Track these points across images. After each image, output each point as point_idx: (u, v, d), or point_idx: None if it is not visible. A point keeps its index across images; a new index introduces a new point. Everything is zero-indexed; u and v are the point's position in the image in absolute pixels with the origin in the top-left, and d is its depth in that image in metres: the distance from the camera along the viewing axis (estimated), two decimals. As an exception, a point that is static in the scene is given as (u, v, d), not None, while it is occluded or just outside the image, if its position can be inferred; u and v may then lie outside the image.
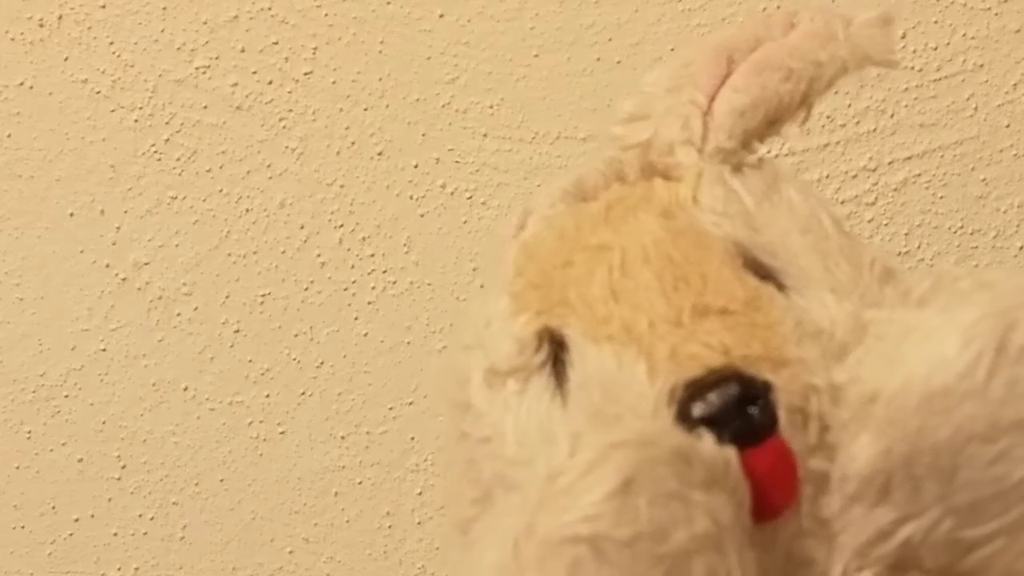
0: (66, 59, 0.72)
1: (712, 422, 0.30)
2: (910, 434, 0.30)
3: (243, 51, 0.72)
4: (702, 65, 0.39)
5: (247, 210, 0.75)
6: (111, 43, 0.72)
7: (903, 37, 0.72)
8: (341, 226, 0.75)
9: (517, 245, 0.39)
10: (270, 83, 0.73)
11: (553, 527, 0.27)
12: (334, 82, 0.73)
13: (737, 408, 0.31)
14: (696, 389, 0.31)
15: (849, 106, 0.73)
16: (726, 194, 0.37)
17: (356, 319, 0.76)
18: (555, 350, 0.35)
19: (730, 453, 0.29)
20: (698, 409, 0.31)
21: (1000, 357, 0.30)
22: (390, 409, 0.77)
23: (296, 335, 0.76)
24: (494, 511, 0.31)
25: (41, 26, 0.72)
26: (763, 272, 0.35)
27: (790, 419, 0.31)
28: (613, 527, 0.27)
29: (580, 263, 0.36)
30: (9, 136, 0.73)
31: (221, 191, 0.74)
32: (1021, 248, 0.75)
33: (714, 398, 0.31)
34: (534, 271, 0.37)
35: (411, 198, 0.74)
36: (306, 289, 0.76)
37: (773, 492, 0.30)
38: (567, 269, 0.36)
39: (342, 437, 0.78)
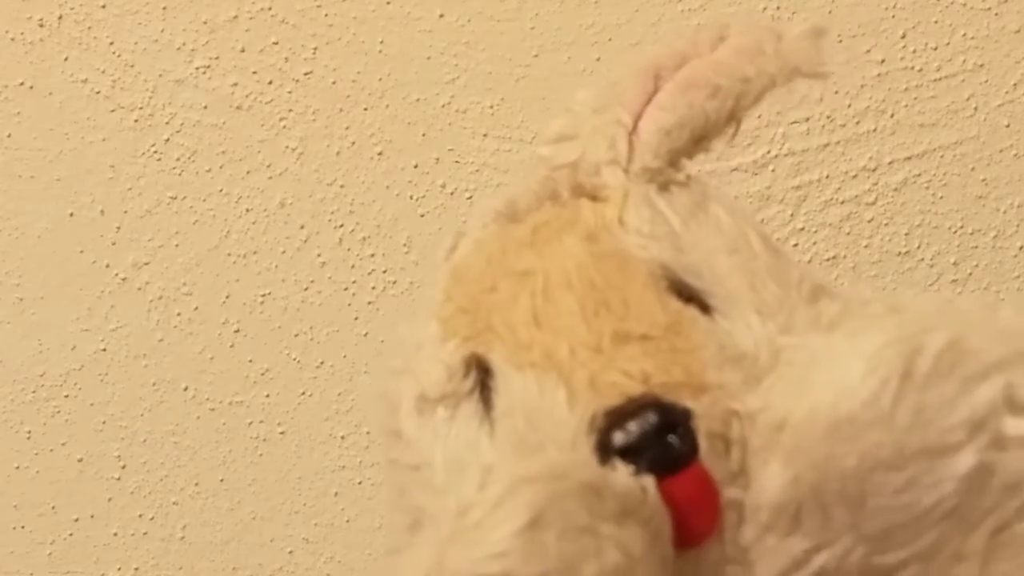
0: (66, 59, 0.72)
1: (632, 451, 0.30)
2: (818, 462, 0.30)
3: (243, 51, 0.72)
4: (628, 84, 0.39)
5: (247, 210, 0.75)
6: (111, 43, 0.72)
7: (903, 37, 0.72)
8: (341, 226, 0.75)
9: (447, 268, 0.39)
10: (270, 83, 0.73)
11: (462, 563, 0.27)
12: (334, 82, 0.73)
13: (656, 436, 0.30)
14: (615, 418, 0.31)
15: (849, 106, 0.73)
16: (652, 215, 0.36)
17: (356, 319, 0.76)
18: (483, 376, 0.35)
19: (647, 483, 0.29)
20: (618, 438, 0.30)
21: (905, 383, 0.29)
22: (390, 409, 0.77)
23: (296, 335, 0.76)
24: (411, 543, 0.31)
25: (41, 26, 0.72)
26: (688, 293, 0.35)
27: (711, 446, 0.31)
28: (522, 563, 0.27)
29: (505, 288, 0.36)
30: (9, 136, 0.73)
31: (221, 191, 0.74)
32: (1021, 248, 0.75)
33: (633, 427, 0.31)
34: (462, 296, 0.37)
35: (411, 198, 0.74)
36: (306, 289, 0.76)
37: (694, 520, 0.30)
38: (492, 294, 0.36)
39: (342, 437, 0.78)
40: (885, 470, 0.29)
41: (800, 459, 0.30)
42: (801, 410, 0.30)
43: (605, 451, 0.30)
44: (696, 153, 0.39)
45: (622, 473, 0.29)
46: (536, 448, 0.31)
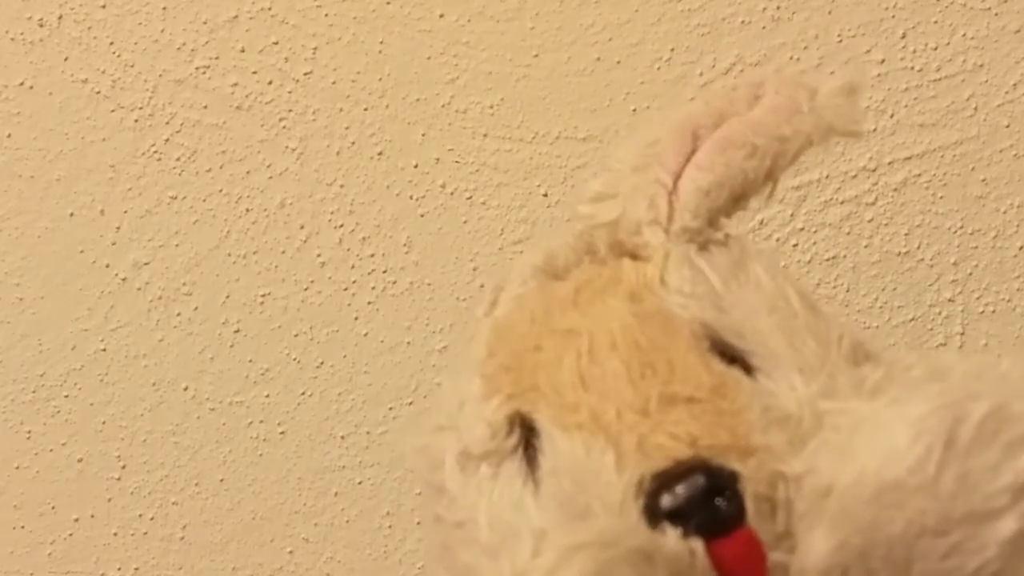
0: (66, 59, 0.72)
1: (680, 514, 0.30)
2: (864, 528, 0.30)
3: (243, 51, 0.72)
4: (667, 143, 0.39)
5: (247, 210, 0.75)
6: (111, 43, 0.72)
7: (903, 37, 0.72)
8: (341, 226, 0.75)
9: (489, 324, 0.39)
10: (270, 83, 0.73)
11: None
12: (334, 82, 0.73)
13: (704, 500, 0.31)
14: (663, 481, 0.31)
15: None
16: (693, 275, 0.37)
17: (356, 319, 0.76)
18: (527, 435, 0.35)
19: (696, 546, 0.29)
20: (666, 501, 0.31)
21: (949, 451, 0.30)
22: (390, 409, 0.77)
23: (296, 335, 0.76)
24: None
25: (41, 26, 0.72)
26: (730, 353, 0.35)
27: (758, 508, 0.31)
28: None
29: (549, 348, 0.36)
30: (9, 136, 0.73)
31: (221, 191, 0.74)
32: (1021, 248, 0.75)
33: (681, 490, 0.31)
34: (505, 353, 0.37)
35: (411, 198, 0.74)
36: (306, 289, 0.76)
37: None
38: (537, 353, 0.36)
39: (342, 437, 0.78)
40: (930, 536, 0.30)
41: (846, 524, 0.30)
42: (847, 476, 0.30)
43: (653, 514, 0.31)
44: (734, 212, 0.39)
45: (671, 537, 0.29)
46: (583, 510, 0.31)
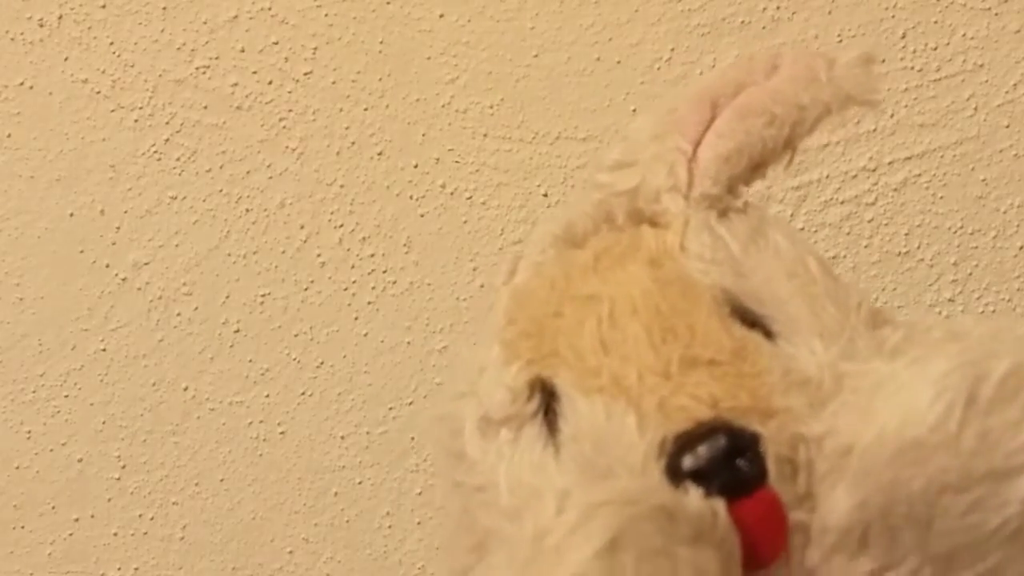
0: (66, 59, 0.72)
1: (701, 475, 0.31)
2: (885, 486, 0.30)
3: (243, 51, 0.72)
4: (686, 111, 0.39)
5: (247, 210, 0.75)
6: (111, 43, 0.72)
7: (903, 37, 0.72)
8: (341, 226, 0.75)
9: (508, 292, 0.39)
10: (270, 83, 0.73)
11: None
12: (334, 82, 0.73)
13: (726, 460, 0.31)
14: (685, 442, 0.31)
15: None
16: (713, 241, 0.37)
17: (356, 319, 0.76)
18: (547, 399, 0.35)
19: (718, 506, 0.30)
20: (687, 462, 0.31)
21: (970, 409, 0.30)
22: (390, 409, 0.77)
23: (296, 335, 0.76)
24: (483, 566, 0.31)
25: (41, 26, 0.72)
26: (750, 319, 0.35)
27: (779, 469, 0.31)
28: None
29: (570, 313, 0.36)
30: (9, 136, 0.73)
31: (221, 191, 0.74)
32: (1021, 248, 0.75)
33: (703, 451, 0.31)
34: (525, 320, 0.38)
35: (411, 198, 0.74)
36: (306, 289, 0.76)
37: (763, 543, 0.31)
38: (557, 319, 0.37)
39: (342, 437, 0.78)
40: (952, 493, 0.30)
41: (868, 483, 0.30)
42: (868, 435, 0.30)
43: (675, 475, 0.31)
44: (753, 180, 0.40)
45: (694, 496, 0.30)
46: (605, 472, 0.32)
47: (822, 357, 0.33)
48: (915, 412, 0.30)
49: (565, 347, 0.35)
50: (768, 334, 0.35)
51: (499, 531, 0.32)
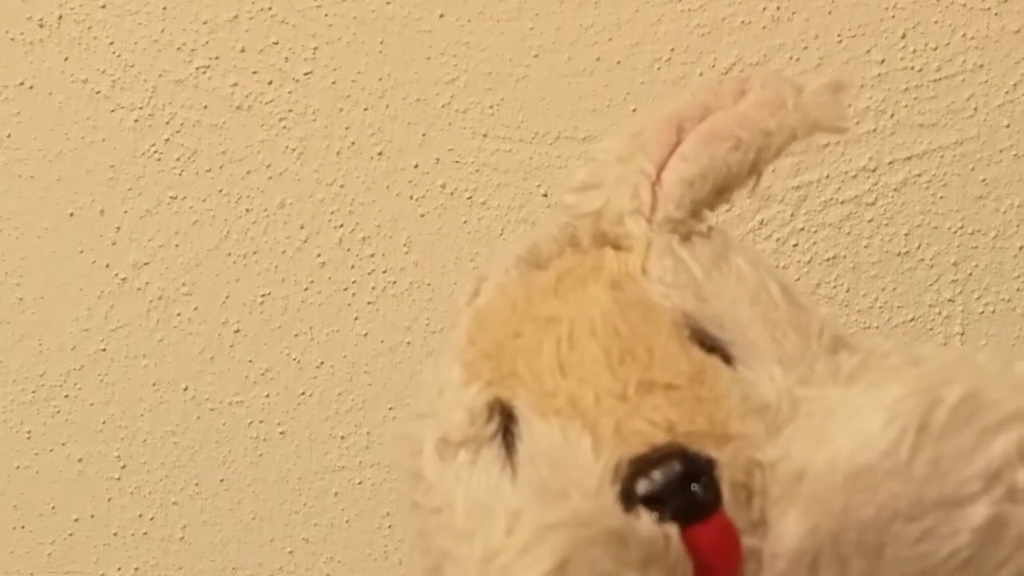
0: (66, 59, 0.72)
1: (656, 499, 0.30)
2: (836, 512, 0.30)
3: (243, 51, 0.72)
4: (652, 134, 0.39)
5: (247, 210, 0.75)
6: (111, 43, 0.72)
7: (903, 37, 0.72)
8: (341, 226, 0.75)
9: (470, 312, 0.39)
10: (270, 83, 0.73)
11: None
12: (334, 82, 0.73)
13: (680, 485, 0.31)
14: (640, 466, 0.31)
15: (849, 106, 0.73)
16: (675, 264, 0.37)
17: (356, 319, 0.76)
18: (506, 421, 0.35)
19: (671, 531, 0.30)
20: (642, 486, 0.31)
21: (922, 435, 0.30)
22: (390, 409, 0.77)
23: (296, 335, 0.76)
24: None
25: (41, 26, 0.72)
26: (710, 343, 0.35)
27: (734, 495, 0.31)
28: None
29: (530, 334, 0.36)
30: (9, 136, 0.73)
31: (221, 191, 0.74)
32: (1021, 248, 0.75)
33: (657, 476, 0.31)
34: (486, 340, 0.37)
35: (411, 198, 0.74)
36: (306, 289, 0.76)
37: (716, 568, 0.30)
38: (517, 340, 0.36)
39: (342, 437, 0.78)
40: (903, 521, 0.30)
41: (818, 509, 0.30)
42: (820, 460, 0.30)
43: (629, 499, 0.31)
44: (717, 205, 0.39)
45: (646, 521, 0.30)
46: (560, 494, 0.31)
47: (781, 383, 0.33)
48: (867, 438, 0.30)
49: (524, 368, 0.35)
50: (728, 359, 0.35)
51: (452, 552, 0.33)
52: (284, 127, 0.73)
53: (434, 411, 0.37)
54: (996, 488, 0.30)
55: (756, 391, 0.33)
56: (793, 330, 0.35)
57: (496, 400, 0.36)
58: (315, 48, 0.72)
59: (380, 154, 0.74)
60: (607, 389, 0.34)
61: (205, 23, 0.72)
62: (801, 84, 0.40)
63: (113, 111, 0.73)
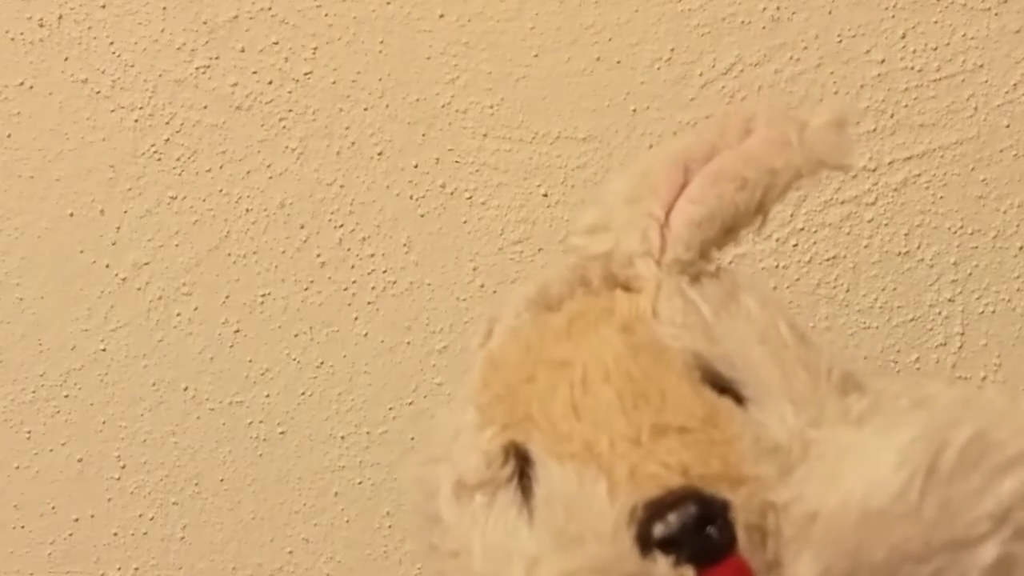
0: (66, 59, 0.72)
1: (672, 543, 0.31)
2: (848, 553, 0.30)
3: (243, 51, 0.72)
4: (659, 176, 0.40)
5: (247, 210, 0.75)
6: (111, 43, 0.72)
7: (903, 37, 0.72)
8: (341, 226, 0.75)
9: (484, 356, 0.40)
10: (270, 83, 0.73)
11: None
12: (334, 82, 0.73)
13: (696, 528, 0.31)
14: (655, 510, 0.32)
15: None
16: (684, 305, 0.37)
17: (356, 319, 0.76)
18: (521, 464, 0.36)
19: (687, 574, 0.30)
20: (658, 530, 0.31)
21: (931, 478, 0.30)
22: (390, 409, 0.77)
23: (296, 335, 0.76)
24: None
25: (41, 26, 0.72)
26: (722, 384, 0.35)
27: (748, 537, 0.32)
28: None
29: (543, 378, 0.37)
30: (9, 136, 0.73)
31: (221, 191, 0.74)
32: (1021, 248, 0.75)
33: (673, 519, 0.31)
34: (499, 384, 0.38)
35: (411, 198, 0.74)
36: (306, 289, 0.76)
37: None
38: (531, 384, 0.37)
39: (342, 437, 0.78)
40: (913, 562, 0.30)
41: (831, 550, 0.31)
42: (832, 502, 0.31)
43: (645, 542, 0.31)
44: (725, 244, 0.40)
45: (662, 565, 0.30)
46: (576, 539, 0.32)
47: (792, 424, 0.34)
48: (878, 481, 0.30)
49: (538, 412, 0.36)
50: (739, 399, 0.35)
51: None
52: (284, 127, 0.73)
53: (449, 454, 0.37)
54: (1005, 528, 0.30)
55: (768, 432, 0.34)
56: (803, 369, 0.36)
57: (511, 443, 0.36)
58: (315, 48, 0.72)
59: (380, 154, 0.74)
60: (621, 433, 0.34)
61: (205, 23, 0.72)
62: (805, 121, 0.40)
63: (113, 111, 0.73)
